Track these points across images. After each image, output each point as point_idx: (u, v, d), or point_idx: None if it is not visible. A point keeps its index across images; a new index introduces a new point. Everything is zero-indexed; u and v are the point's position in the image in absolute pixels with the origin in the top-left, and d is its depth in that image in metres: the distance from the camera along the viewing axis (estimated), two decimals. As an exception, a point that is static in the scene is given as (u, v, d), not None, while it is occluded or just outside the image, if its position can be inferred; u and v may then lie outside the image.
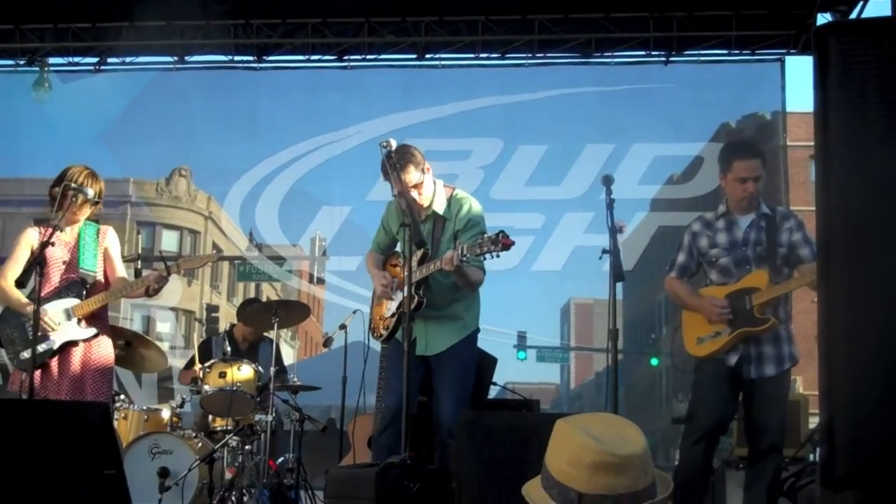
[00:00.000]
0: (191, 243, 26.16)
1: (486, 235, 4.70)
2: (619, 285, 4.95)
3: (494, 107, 11.80)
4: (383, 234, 5.46)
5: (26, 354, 5.15)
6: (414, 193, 5.01)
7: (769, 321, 5.02)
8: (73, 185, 5.22)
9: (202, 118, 12.66)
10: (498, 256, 4.68)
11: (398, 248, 5.38)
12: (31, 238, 5.36)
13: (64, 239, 5.38)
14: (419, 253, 4.93)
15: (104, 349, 5.38)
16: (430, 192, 5.17)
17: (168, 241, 25.88)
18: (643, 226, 12.22)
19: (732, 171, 5.18)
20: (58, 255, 5.34)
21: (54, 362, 5.22)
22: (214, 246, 23.74)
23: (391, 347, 5.28)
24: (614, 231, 4.90)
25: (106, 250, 5.47)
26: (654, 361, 16.62)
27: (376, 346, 6.14)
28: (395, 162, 4.89)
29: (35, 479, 3.51)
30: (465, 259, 4.73)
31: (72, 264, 5.36)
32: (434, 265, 4.87)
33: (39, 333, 5.11)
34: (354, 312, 7.23)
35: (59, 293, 5.30)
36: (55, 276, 5.34)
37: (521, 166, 11.69)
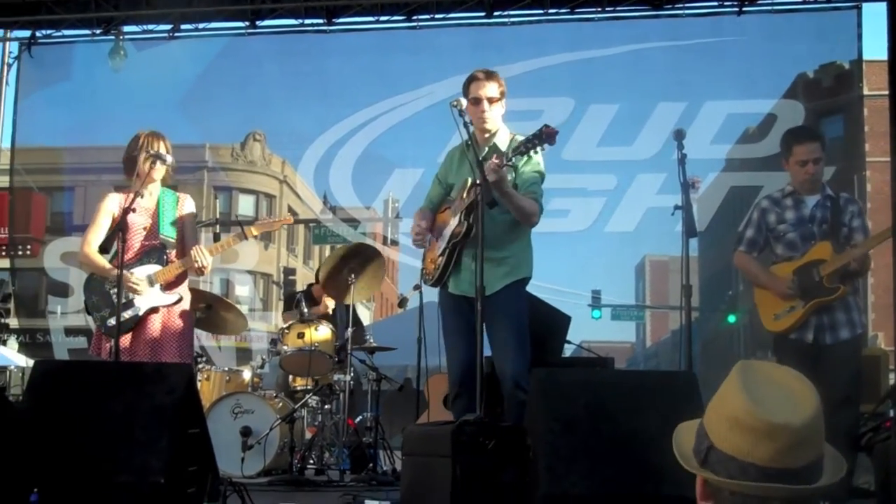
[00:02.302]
0: (266, 207, 26.50)
1: (531, 132, 4.54)
2: (692, 242, 4.93)
3: (564, 64, 11.68)
4: (437, 187, 5.28)
5: (113, 321, 5.30)
6: (485, 106, 4.90)
7: (839, 289, 5.23)
8: (151, 152, 5.32)
9: (275, 82, 12.78)
10: (543, 150, 4.56)
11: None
12: (112, 204, 5.45)
13: (144, 205, 5.46)
14: (468, 183, 4.77)
15: (185, 314, 5.46)
16: (497, 123, 5.04)
17: (244, 206, 26.20)
18: (716, 185, 12.04)
19: (793, 155, 5.45)
20: (139, 222, 5.43)
21: (140, 326, 5.33)
22: (290, 209, 24.05)
23: (446, 303, 5.04)
24: (686, 187, 4.86)
25: (182, 218, 5.53)
26: (732, 318, 16.35)
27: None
28: (480, 75, 4.94)
29: (122, 439, 3.63)
30: (510, 163, 4.61)
31: (152, 231, 5.43)
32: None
33: (124, 300, 5.29)
34: (429, 274, 7.26)
35: (140, 259, 5.39)
36: (136, 242, 5.42)
37: (592, 126, 11.57)
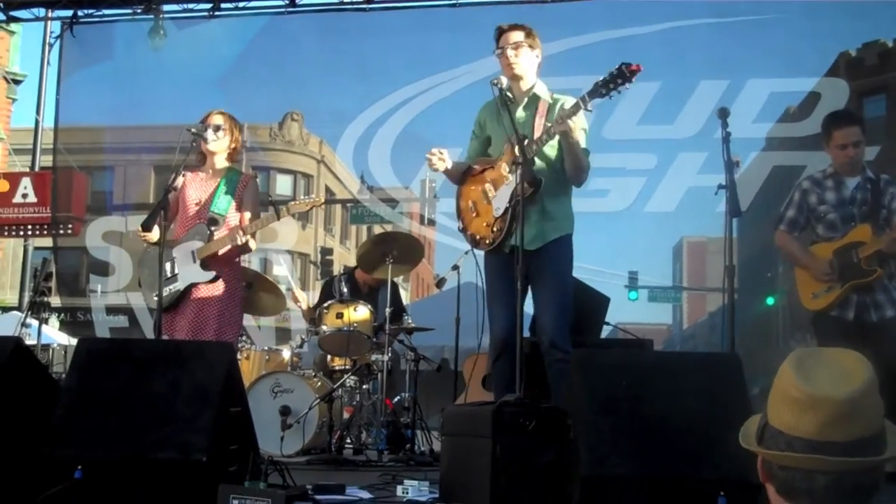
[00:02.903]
0: (304, 186, 26.57)
1: (604, 76, 4.45)
2: (733, 223, 4.87)
3: (605, 42, 11.58)
4: (475, 140, 5.22)
5: (156, 296, 5.36)
6: (509, 52, 4.84)
7: (876, 272, 5.33)
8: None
9: (314, 61, 12.80)
10: (626, 88, 4.45)
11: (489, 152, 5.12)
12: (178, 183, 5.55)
13: (204, 182, 5.57)
14: (516, 141, 4.64)
15: (230, 291, 5.48)
16: (532, 76, 4.98)
17: (282, 185, 26.28)
18: (758, 165, 11.88)
19: (833, 139, 5.56)
20: (193, 198, 5.52)
21: (182, 303, 5.40)
22: (327, 190, 24.11)
23: (494, 268, 4.95)
24: (731, 165, 4.82)
25: (242, 198, 5.55)
26: (771, 300, 16.19)
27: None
28: (504, 26, 4.94)
29: (165, 417, 3.66)
30: (588, 109, 4.54)
31: (204, 207, 5.50)
32: (548, 130, 4.63)
33: (169, 276, 5.35)
34: (466, 253, 7.21)
35: (187, 235, 5.48)
36: (188, 218, 5.52)
37: (633, 104, 11.44)
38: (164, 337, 5.35)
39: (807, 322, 5.75)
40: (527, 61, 4.94)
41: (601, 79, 4.48)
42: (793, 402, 1.69)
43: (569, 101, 4.82)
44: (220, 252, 5.40)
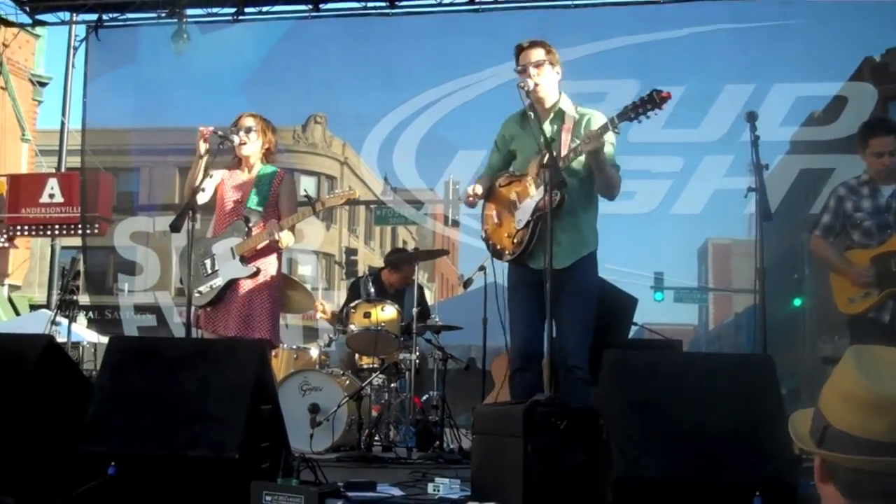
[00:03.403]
0: (328, 188, 26.61)
1: (636, 99, 4.42)
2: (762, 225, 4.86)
3: (629, 47, 11.57)
4: (496, 154, 5.19)
5: (197, 292, 5.45)
6: (531, 72, 4.80)
7: None
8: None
9: (337, 65, 12.83)
10: (655, 114, 4.41)
11: (511, 169, 5.10)
12: (214, 181, 5.63)
13: (241, 180, 5.64)
14: (544, 157, 4.61)
15: (269, 287, 5.52)
16: (555, 92, 4.95)
17: (306, 186, 26.13)
18: (784, 168, 11.81)
19: (870, 146, 5.58)
20: (231, 196, 5.61)
21: (225, 299, 5.45)
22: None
23: (519, 275, 4.93)
24: (760, 169, 4.81)
25: (277, 194, 5.61)
26: (797, 302, 16.10)
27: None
28: (524, 44, 4.90)
29: (197, 414, 3.67)
30: (616, 131, 4.53)
31: (241, 204, 5.57)
32: (575, 149, 4.60)
33: (209, 272, 5.47)
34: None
35: (225, 232, 5.56)
36: (226, 216, 5.61)
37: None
38: (207, 333, 5.42)
39: (838, 324, 5.78)
40: (548, 80, 4.91)
41: (631, 103, 4.46)
42: (862, 404, 1.65)
43: (596, 118, 4.83)
44: (259, 247, 5.46)
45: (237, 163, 5.69)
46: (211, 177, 5.53)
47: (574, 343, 4.65)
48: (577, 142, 4.69)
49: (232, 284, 5.45)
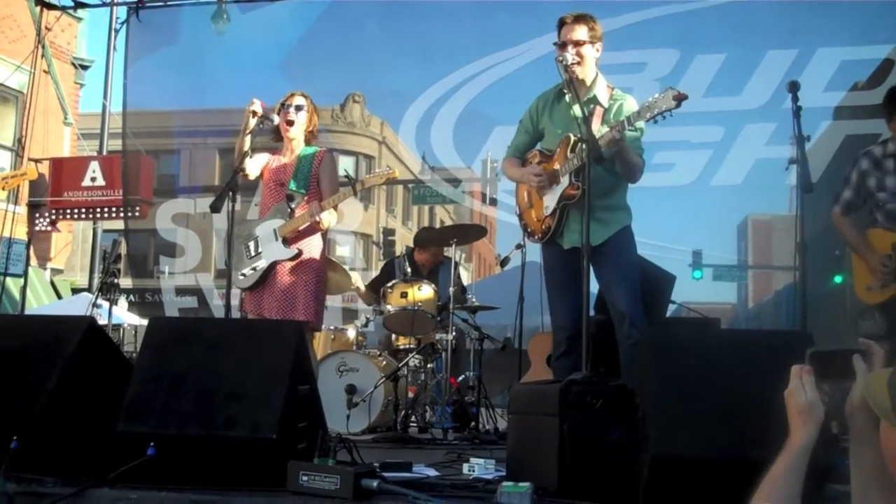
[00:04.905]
0: (366, 167, 26.69)
1: (653, 96, 4.42)
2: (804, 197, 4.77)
3: (669, 16, 11.41)
4: (523, 134, 5.20)
5: (241, 275, 5.52)
6: (570, 53, 4.78)
7: None
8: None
9: (375, 43, 12.80)
10: (671, 115, 4.40)
11: (538, 147, 5.14)
12: (260, 162, 5.70)
13: (284, 162, 5.68)
14: (571, 140, 4.74)
15: (314, 269, 5.54)
16: (593, 72, 4.95)
17: (345, 166, 26.41)
18: (829, 135, 11.57)
19: (894, 119, 5.30)
20: (274, 178, 5.65)
21: (269, 281, 5.49)
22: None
23: (553, 258, 5.00)
24: (801, 140, 4.72)
25: (318, 174, 5.62)
26: (838, 279, 15.85)
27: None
28: (568, 19, 4.88)
29: (235, 395, 3.69)
30: (632, 129, 4.55)
31: (284, 186, 5.60)
32: (604, 144, 4.59)
33: (253, 254, 5.52)
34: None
35: (270, 215, 5.59)
36: (271, 198, 5.64)
37: (698, 77, 11.22)
38: (250, 315, 5.46)
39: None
40: (587, 61, 4.90)
41: (647, 102, 4.45)
42: None
43: (627, 105, 4.85)
44: (301, 228, 5.48)
45: (281, 143, 5.70)
46: (251, 156, 5.53)
47: (627, 300, 4.70)
48: (606, 129, 4.68)
49: (275, 267, 5.48)
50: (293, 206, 5.51)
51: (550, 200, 4.90)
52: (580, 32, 4.86)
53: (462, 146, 12.89)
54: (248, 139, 5.36)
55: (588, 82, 4.93)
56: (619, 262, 4.78)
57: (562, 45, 4.86)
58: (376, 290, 7.65)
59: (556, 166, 4.85)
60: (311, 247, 5.55)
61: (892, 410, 1.72)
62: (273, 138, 5.71)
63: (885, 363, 1.89)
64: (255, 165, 5.62)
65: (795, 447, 2.01)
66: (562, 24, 4.93)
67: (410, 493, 3.33)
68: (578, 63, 4.81)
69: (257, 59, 13.09)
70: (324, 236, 5.68)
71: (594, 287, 4.79)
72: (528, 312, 7.22)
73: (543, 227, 4.97)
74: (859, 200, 5.41)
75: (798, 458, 2.01)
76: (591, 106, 4.87)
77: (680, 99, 4.35)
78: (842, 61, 11.04)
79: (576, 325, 4.68)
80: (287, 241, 5.48)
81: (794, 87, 4.82)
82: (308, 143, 5.74)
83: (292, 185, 5.56)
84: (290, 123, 5.58)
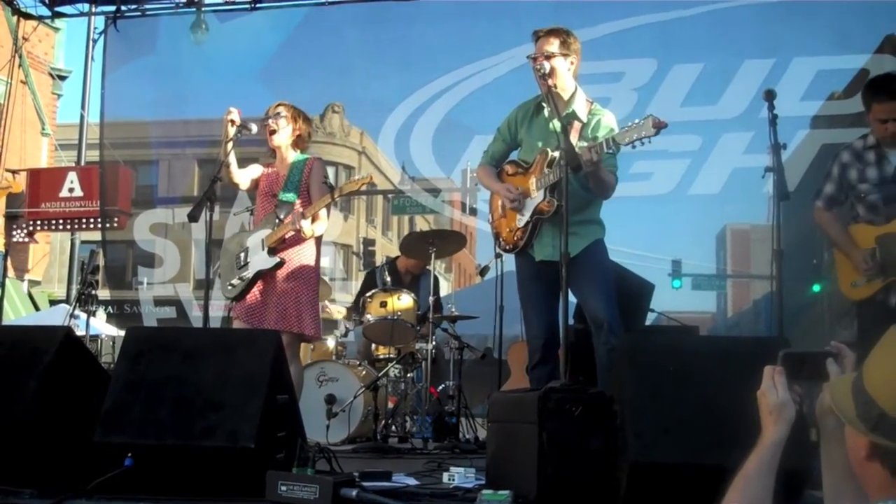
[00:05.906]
0: (346, 178, 26.67)
1: (633, 122, 4.43)
2: (780, 206, 4.78)
3: (647, 25, 11.47)
4: (500, 143, 5.22)
5: (230, 285, 5.52)
6: (541, 65, 4.80)
7: None
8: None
9: (355, 51, 12.78)
10: (650, 142, 4.40)
11: (515, 156, 5.16)
12: (251, 173, 5.70)
13: (275, 171, 5.69)
14: (549, 155, 4.77)
15: (305, 278, 5.50)
16: (571, 86, 4.98)
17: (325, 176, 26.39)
18: (806, 144, 11.64)
19: (873, 111, 5.18)
20: (267, 190, 5.65)
21: (256, 290, 5.47)
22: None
23: (526, 270, 5.02)
24: (778, 148, 4.74)
25: (308, 182, 5.61)
26: (816, 287, 15.94)
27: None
28: (541, 32, 4.92)
29: (213, 404, 3.67)
30: (611, 151, 4.55)
31: (275, 195, 5.61)
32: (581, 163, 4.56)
33: (242, 263, 5.51)
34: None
35: (260, 224, 5.60)
36: (262, 208, 5.65)
37: (675, 86, 11.30)
38: (238, 324, 5.42)
39: (847, 306, 5.55)
40: (559, 73, 4.92)
41: (627, 127, 4.46)
42: None
43: (604, 121, 4.89)
44: (286, 237, 5.45)
45: (273, 155, 5.72)
46: (229, 165, 5.51)
47: (604, 307, 4.71)
48: (583, 144, 4.70)
49: (265, 276, 5.45)
50: (282, 215, 5.50)
51: (525, 213, 4.94)
52: (552, 45, 4.90)
53: (441, 156, 12.89)
54: (229, 146, 5.35)
55: (566, 96, 4.96)
56: (594, 270, 4.80)
57: (535, 58, 4.89)
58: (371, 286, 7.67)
59: (532, 179, 4.89)
60: (302, 255, 5.52)
61: (856, 417, 1.73)
62: (268, 151, 5.73)
63: (856, 367, 1.90)
64: (245, 176, 5.61)
65: (766, 444, 2.03)
66: (536, 37, 4.98)
67: (390, 502, 3.32)
68: (549, 75, 4.83)
69: (236, 69, 13.05)
70: (318, 245, 5.65)
71: (571, 298, 4.79)
72: (508, 322, 7.23)
73: (514, 237, 5.01)
74: (841, 195, 5.33)
75: (769, 456, 2.03)
76: (570, 121, 4.89)
77: (659, 127, 4.36)
78: (818, 70, 11.13)
79: (549, 333, 4.72)
80: (274, 251, 5.46)
81: (769, 96, 4.82)
82: (300, 150, 5.74)
83: (284, 193, 5.55)
84: (272, 132, 5.61)
